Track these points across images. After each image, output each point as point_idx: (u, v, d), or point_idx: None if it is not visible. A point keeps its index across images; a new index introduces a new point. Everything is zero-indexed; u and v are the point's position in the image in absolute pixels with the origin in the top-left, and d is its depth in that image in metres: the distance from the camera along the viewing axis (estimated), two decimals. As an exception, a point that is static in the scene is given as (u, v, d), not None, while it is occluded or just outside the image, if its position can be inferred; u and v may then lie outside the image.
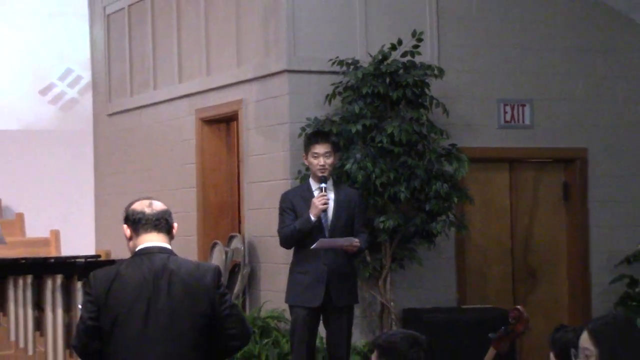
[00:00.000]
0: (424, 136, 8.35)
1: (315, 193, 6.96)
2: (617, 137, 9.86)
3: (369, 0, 8.90)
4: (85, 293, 4.01)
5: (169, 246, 4.13)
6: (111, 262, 6.77)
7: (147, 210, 4.02)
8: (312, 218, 6.79)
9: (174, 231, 4.56)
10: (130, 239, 4.01)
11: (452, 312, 8.65)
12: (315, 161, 7.13)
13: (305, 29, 8.73)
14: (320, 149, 7.05)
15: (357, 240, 7.10)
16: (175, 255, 4.03)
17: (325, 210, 6.89)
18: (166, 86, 10.68)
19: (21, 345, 6.88)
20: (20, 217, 11.56)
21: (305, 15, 8.75)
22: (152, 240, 4.18)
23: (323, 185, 6.98)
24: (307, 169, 7.97)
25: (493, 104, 9.36)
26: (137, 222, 3.96)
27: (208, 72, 9.83)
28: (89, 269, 6.28)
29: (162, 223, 4.00)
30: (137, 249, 3.98)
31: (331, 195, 7.09)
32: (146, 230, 4.28)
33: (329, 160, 7.14)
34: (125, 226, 4.12)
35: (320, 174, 7.07)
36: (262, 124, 9.07)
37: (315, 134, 7.51)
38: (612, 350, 2.85)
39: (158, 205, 4.10)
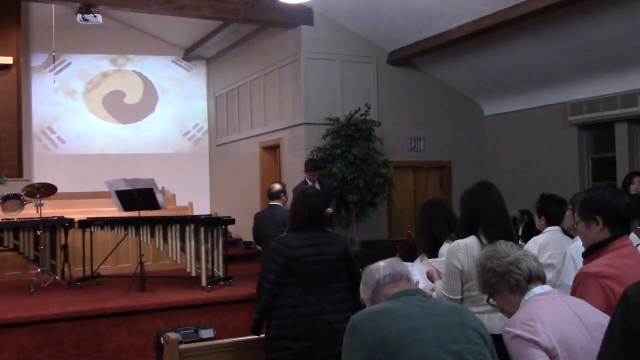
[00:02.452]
0: (371, 155, 8.91)
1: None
2: (466, 155, 10.22)
3: (345, 88, 9.39)
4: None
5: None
6: (218, 219, 7.65)
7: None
8: None
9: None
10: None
11: (384, 241, 9.11)
12: (309, 175, 7.69)
13: (313, 102, 9.21)
14: (313, 172, 7.51)
15: (330, 209, 7.47)
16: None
17: None
18: (244, 130, 11.11)
19: (173, 258, 7.55)
20: (173, 196, 11.89)
21: (312, 96, 9.23)
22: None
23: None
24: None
25: (405, 139, 9.85)
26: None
27: (265, 123, 10.33)
28: (207, 221, 7.35)
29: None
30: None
31: (317, 186, 7.24)
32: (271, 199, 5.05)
33: (315, 176, 7.70)
34: None
35: (310, 183, 7.49)
36: (292, 149, 9.54)
37: (310, 162, 7.94)
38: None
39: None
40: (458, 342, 2.07)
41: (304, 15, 9.27)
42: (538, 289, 2.30)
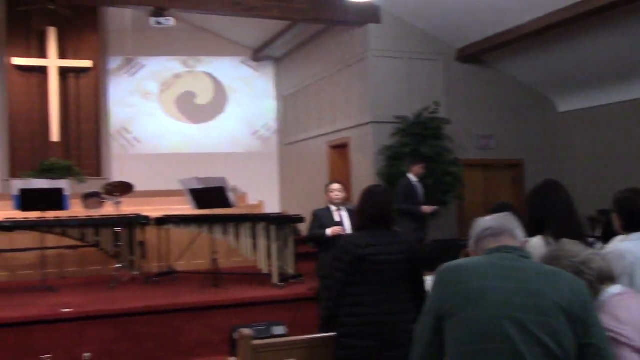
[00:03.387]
0: (440, 153, 8.93)
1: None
2: (538, 153, 10.03)
3: (412, 86, 9.32)
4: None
5: None
6: (288, 217, 7.70)
7: None
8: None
9: None
10: None
11: (454, 241, 8.53)
12: (417, 168, 7.50)
13: (380, 101, 9.23)
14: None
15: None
16: None
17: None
18: (312, 129, 11.23)
19: (245, 255, 7.63)
20: (244, 194, 11.49)
21: (380, 94, 9.25)
22: None
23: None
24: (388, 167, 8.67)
25: (475, 137, 9.74)
26: None
27: (333, 122, 10.39)
28: (278, 219, 7.43)
29: None
30: None
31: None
32: None
33: (423, 169, 7.52)
34: None
35: (416, 179, 7.33)
36: (360, 148, 9.56)
37: (412, 155, 7.95)
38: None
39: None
40: (528, 311, 1.96)
41: (371, 14, 9.28)
42: (614, 289, 2.25)
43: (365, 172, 9.37)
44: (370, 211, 3.45)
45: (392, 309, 3.35)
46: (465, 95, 9.73)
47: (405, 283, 3.44)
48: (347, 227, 5.81)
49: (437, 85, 9.56)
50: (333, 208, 6.00)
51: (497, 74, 9.95)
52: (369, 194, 3.54)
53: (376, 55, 9.32)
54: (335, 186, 6.14)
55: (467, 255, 2.37)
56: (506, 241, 2.20)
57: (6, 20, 11.74)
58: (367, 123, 9.39)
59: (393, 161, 8.80)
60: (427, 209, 7.56)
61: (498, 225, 2.24)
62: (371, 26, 9.33)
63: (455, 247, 7.00)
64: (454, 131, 9.39)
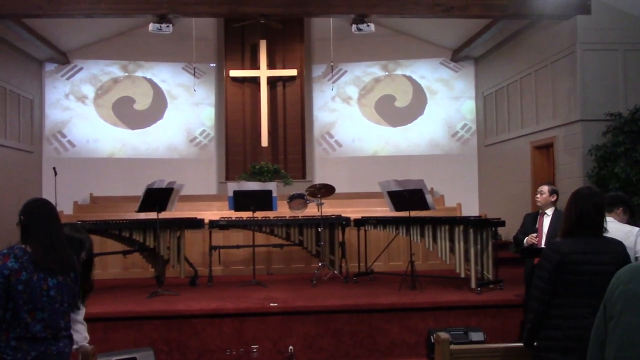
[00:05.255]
0: None
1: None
2: None
3: (627, 80, 8.71)
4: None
5: None
6: (488, 220, 7.35)
7: None
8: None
9: None
10: None
11: None
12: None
13: (590, 97, 8.75)
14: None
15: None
16: None
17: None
18: (514, 129, 10.92)
19: (442, 258, 7.40)
20: (442, 197, 12.03)
21: (590, 90, 8.75)
22: None
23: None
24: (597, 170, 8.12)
25: None
26: None
27: (537, 121, 10.03)
28: (476, 222, 7.16)
29: None
30: None
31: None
32: None
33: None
34: None
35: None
36: (567, 148, 9.13)
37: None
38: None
39: None
40: None
41: (579, 4, 8.74)
42: None
43: (572, 174, 8.92)
44: (576, 216, 3.22)
45: None
46: (692, 87, 8.72)
47: None
48: (545, 233, 5.57)
49: (657, 77, 8.72)
50: (540, 212, 5.81)
51: None
52: (576, 196, 3.32)
53: (585, 48, 8.83)
54: (539, 188, 5.94)
55: None
56: None
57: (224, 37, 12.86)
58: (576, 121, 8.96)
59: (605, 162, 8.24)
60: None
61: None
62: (579, 17, 8.83)
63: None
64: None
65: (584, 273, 3.12)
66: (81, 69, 12.64)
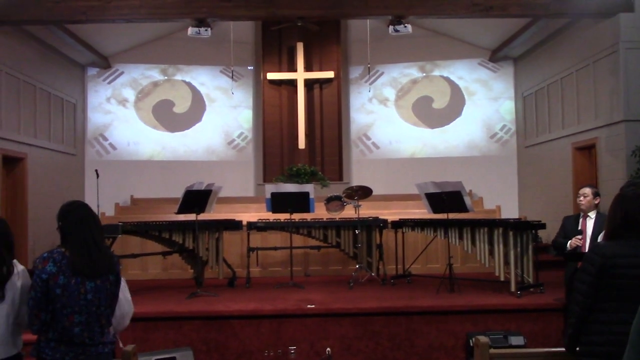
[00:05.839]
0: None
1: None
2: None
3: None
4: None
5: None
6: (528, 223, 7.23)
7: None
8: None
9: None
10: None
11: None
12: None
13: (634, 97, 8.56)
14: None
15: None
16: None
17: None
18: (555, 130, 10.74)
19: (481, 261, 7.39)
20: (481, 199, 12.00)
21: (634, 90, 8.57)
22: None
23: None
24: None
25: None
26: None
27: (578, 122, 9.88)
28: (516, 225, 7.05)
29: None
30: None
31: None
32: None
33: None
34: None
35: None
36: (609, 149, 8.98)
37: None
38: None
39: None
40: None
41: (622, 2, 8.56)
42: None
43: (615, 176, 8.72)
44: (621, 218, 3.13)
45: None
46: None
47: None
48: (589, 236, 5.48)
49: None
50: (582, 215, 5.73)
51: None
52: (620, 197, 3.21)
53: (629, 47, 8.67)
54: (582, 190, 5.84)
55: None
56: None
57: (261, 40, 13.00)
58: (619, 122, 8.78)
59: (649, 164, 8.00)
60: None
61: None
62: (622, 15, 8.65)
63: None
64: None
65: (628, 277, 3.02)
66: (122, 73, 12.88)
